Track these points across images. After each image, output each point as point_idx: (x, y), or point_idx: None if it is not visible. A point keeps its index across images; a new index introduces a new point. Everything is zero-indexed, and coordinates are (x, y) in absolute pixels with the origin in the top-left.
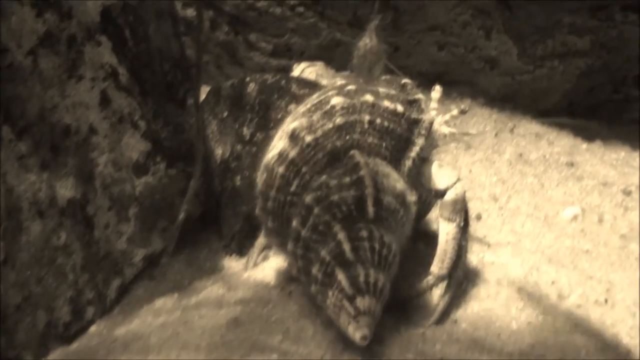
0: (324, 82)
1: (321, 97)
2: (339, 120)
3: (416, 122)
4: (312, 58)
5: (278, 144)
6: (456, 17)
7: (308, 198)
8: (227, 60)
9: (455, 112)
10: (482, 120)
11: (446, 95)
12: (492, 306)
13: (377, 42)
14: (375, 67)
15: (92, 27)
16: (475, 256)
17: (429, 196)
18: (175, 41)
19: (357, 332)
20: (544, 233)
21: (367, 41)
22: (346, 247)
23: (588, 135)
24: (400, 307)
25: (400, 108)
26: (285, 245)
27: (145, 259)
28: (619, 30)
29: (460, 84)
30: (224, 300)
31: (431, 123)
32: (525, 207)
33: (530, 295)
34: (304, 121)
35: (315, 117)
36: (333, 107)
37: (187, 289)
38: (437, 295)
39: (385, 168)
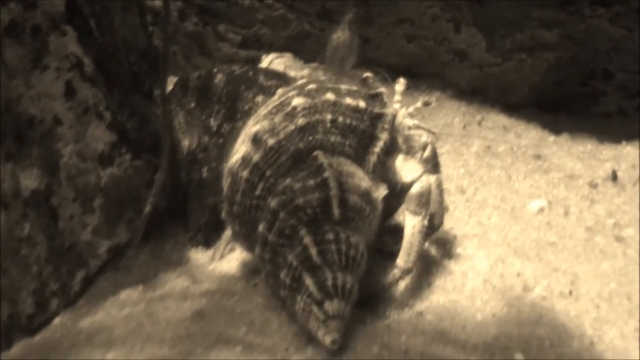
0: (292, 73)
1: (282, 99)
2: (300, 121)
3: (379, 117)
4: (280, 49)
5: (241, 148)
6: (426, 10)
7: (273, 202)
8: (196, 51)
9: (419, 104)
10: (451, 113)
11: (415, 87)
12: (457, 298)
13: (350, 36)
14: (347, 60)
15: (57, 17)
16: (441, 248)
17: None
18: (142, 32)
19: (326, 337)
20: (510, 225)
21: (340, 34)
22: (313, 251)
23: (555, 128)
24: (366, 299)
25: (362, 104)
26: (253, 249)
27: (110, 250)
28: (588, 24)
29: (429, 77)
30: (189, 292)
31: (394, 117)
32: (492, 199)
33: (495, 287)
34: (265, 124)
35: (277, 119)
36: (294, 108)
37: (152, 281)
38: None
39: (349, 167)
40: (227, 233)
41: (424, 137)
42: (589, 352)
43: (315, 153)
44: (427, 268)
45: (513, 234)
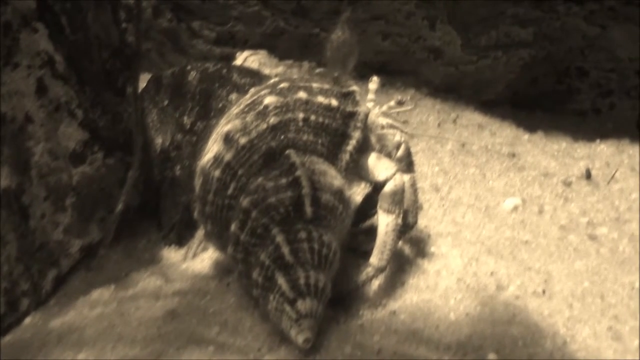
0: (266, 70)
1: (254, 97)
2: (272, 120)
3: (351, 115)
4: (255, 46)
5: (213, 147)
6: (400, 7)
7: (245, 201)
8: (170, 47)
9: (392, 103)
10: (426, 111)
11: (390, 85)
12: (430, 297)
13: (349, 35)
14: (348, 60)
15: (28, 14)
16: (415, 247)
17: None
18: (114, 29)
19: (299, 336)
20: (485, 224)
21: (339, 34)
22: (285, 250)
23: (530, 126)
24: (340, 299)
25: (334, 102)
26: (225, 248)
27: (82, 249)
28: (562, 22)
29: (404, 74)
30: (162, 291)
31: (366, 115)
32: (467, 197)
33: (469, 286)
34: (237, 123)
35: (248, 118)
36: (266, 107)
37: (125, 281)
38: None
39: (321, 165)
40: (200, 232)
41: (397, 136)
42: (561, 352)
43: (287, 152)
44: (400, 267)
45: (487, 233)
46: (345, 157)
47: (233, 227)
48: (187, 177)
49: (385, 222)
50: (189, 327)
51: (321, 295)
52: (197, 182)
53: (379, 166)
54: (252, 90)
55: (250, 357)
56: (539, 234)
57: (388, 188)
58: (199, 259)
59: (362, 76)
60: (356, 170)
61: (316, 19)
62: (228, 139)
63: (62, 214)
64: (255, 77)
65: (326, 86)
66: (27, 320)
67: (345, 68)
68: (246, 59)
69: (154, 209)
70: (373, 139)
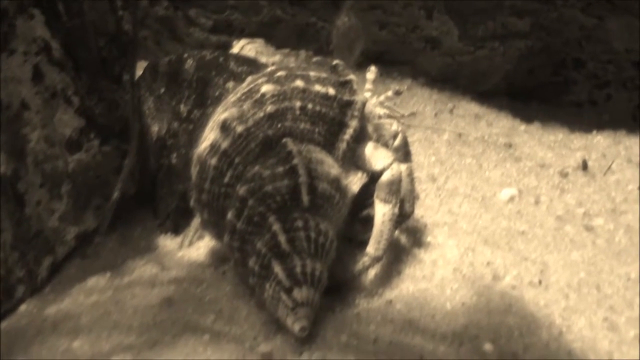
0: (263, 59)
1: (251, 86)
2: (269, 108)
3: (349, 104)
4: (252, 35)
5: (209, 135)
6: None
7: (242, 190)
8: (167, 35)
9: (390, 93)
10: (422, 101)
11: (387, 74)
12: (427, 287)
13: (355, 21)
14: (355, 45)
15: (25, 0)
16: (411, 236)
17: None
18: (111, 16)
19: (295, 324)
20: (481, 214)
21: (345, 20)
22: (281, 238)
23: (527, 117)
24: (336, 288)
25: (331, 91)
26: (222, 236)
27: (77, 237)
28: (559, 13)
29: (401, 64)
30: (157, 279)
31: (364, 104)
32: (463, 187)
33: (465, 276)
34: (234, 111)
35: (245, 106)
36: (263, 95)
37: (120, 268)
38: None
39: (318, 154)
40: (196, 220)
41: (394, 126)
42: (557, 342)
43: (284, 140)
44: (397, 256)
45: (483, 223)
46: (342, 146)
47: (229, 215)
48: (183, 165)
49: (382, 211)
50: (184, 315)
51: (317, 283)
52: (194, 170)
53: (376, 155)
54: (249, 78)
55: (246, 345)
56: (535, 224)
57: (385, 177)
58: (194, 247)
59: (360, 65)
60: (353, 160)
61: (313, 8)
62: (225, 127)
63: (57, 202)
64: (252, 65)
65: (323, 75)
66: (22, 307)
67: (353, 54)
68: (243, 47)
69: (150, 197)
70: (370, 129)
